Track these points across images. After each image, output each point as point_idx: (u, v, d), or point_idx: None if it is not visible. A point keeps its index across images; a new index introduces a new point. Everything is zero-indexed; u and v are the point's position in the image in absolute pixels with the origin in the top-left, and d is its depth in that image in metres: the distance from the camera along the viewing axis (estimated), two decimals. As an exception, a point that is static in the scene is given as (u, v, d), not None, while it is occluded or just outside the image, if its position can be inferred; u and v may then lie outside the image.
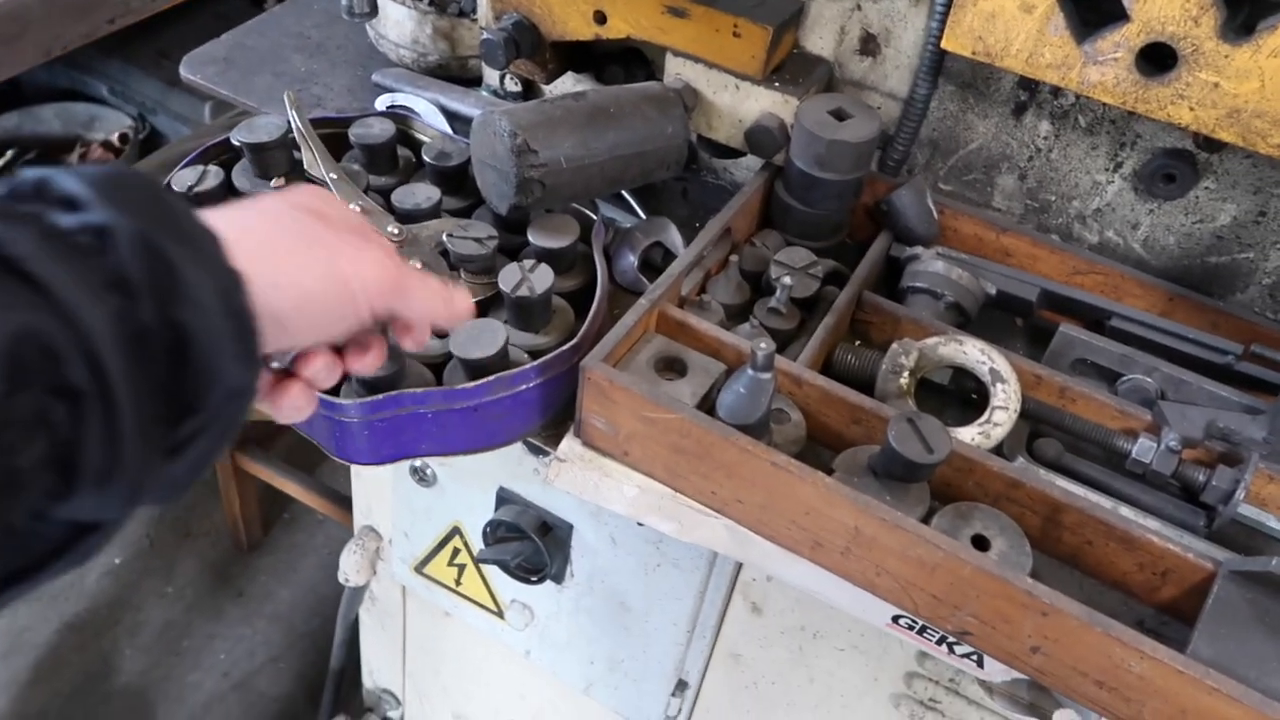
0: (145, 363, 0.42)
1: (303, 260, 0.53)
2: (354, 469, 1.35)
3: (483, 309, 0.93)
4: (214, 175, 0.99)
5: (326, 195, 0.61)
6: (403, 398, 0.81)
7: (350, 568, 1.38)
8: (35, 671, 1.94)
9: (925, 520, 0.77)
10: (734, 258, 0.96)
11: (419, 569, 1.31)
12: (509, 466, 1.10)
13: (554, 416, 0.90)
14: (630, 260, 1.02)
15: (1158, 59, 0.79)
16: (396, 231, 0.93)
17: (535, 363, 0.83)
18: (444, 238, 0.93)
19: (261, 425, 1.95)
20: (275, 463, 1.94)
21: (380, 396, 0.80)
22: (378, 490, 1.34)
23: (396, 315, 0.60)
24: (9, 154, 2.30)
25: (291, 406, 0.61)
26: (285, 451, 2.16)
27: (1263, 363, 0.90)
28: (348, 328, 0.57)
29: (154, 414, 0.43)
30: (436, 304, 0.63)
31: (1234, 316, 0.94)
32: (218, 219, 0.49)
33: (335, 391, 0.84)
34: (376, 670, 1.61)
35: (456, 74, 1.28)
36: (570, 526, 1.10)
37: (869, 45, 1.02)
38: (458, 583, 1.29)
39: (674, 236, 1.03)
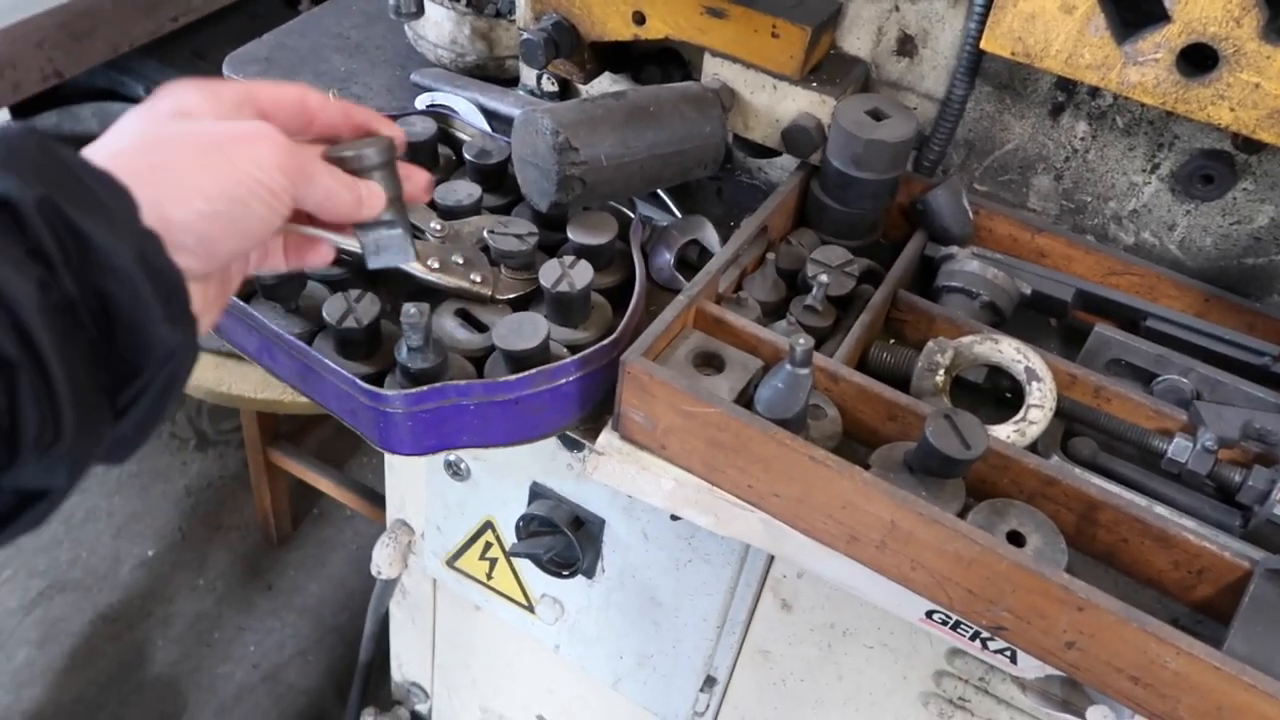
0: (74, 331, 0.42)
1: (199, 169, 0.51)
2: (389, 462, 1.36)
3: (523, 305, 0.95)
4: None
5: (190, 88, 0.56)
6: (447, 389, 0.82)
7: (383, 561, 1.40)
8: (70, 660, 1.97)
9: (961, 516, 0.78)
10: (770, 256, 0.97)
11: (450, 563, 1.32)
12: (542, 461, 1.11)
13: (591, 410, 0.91)
14: (666, 258, 1.03)
15: (1198, 59, 0.80)
16: (439, 228, 0.95)
17: (575, 356, 0.85)
18: (485, 234, 0.94)
19: (293, 420, 1.98)
20: (306, 458, 1.97)
21: (425, 388, 0.82)
22: (411, 484, 1.35)
23: (301, 203, 0.57)
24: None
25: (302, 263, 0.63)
26: (316, 447, 2.20)
27: (1300, 364, 0.90)
28: (275, 221, 0.55)
29: (91, 381, 0.43)
30: (343, 194, 0.59)
31: (1271, 318, 0.94)
32: (100, 156, 0.48)
33: (380, 383, 0.86)
34: (406, 663, 1.63)
35: (494, 74, 1.29)
36: (603, 521, 1.11)
37: (906, 46, 1.02)
38: (489, 577, 1.30)
39: (710, 235, 1.04)
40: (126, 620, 2.05)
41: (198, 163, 0.50)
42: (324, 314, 0.86)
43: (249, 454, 1.98)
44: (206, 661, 2.01)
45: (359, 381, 0.82)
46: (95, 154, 0.48)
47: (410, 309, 0.80)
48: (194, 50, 2.47)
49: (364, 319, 0.86)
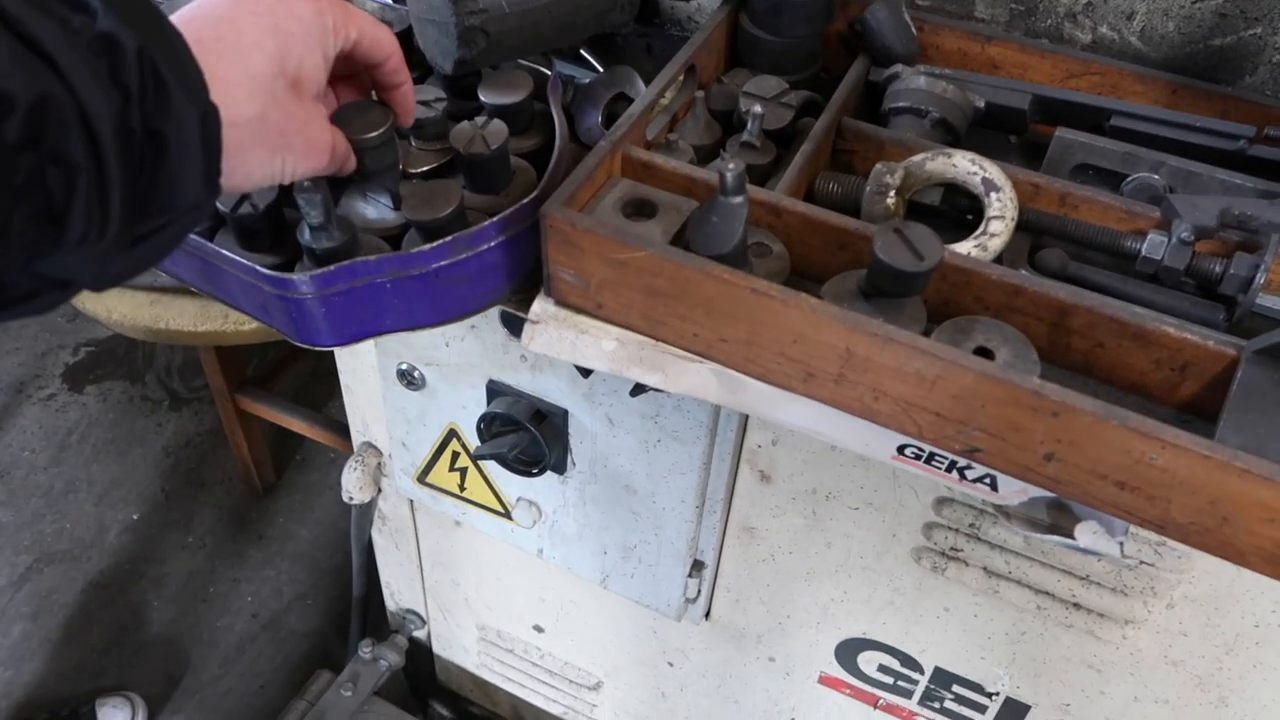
0: (131, 155, 0.48)
1: (258, 30, 0.61)
2: (343, 384, 1.31)
3: (439, 177, 0.88)
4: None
5: (305, 15, 0.65)
6: (355, 267, 0.76)
7: (353, 485, 1.36)
8: (67, 630, 1.94)
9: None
10: (700, 94, 0.89)
11: (422, 479, 1.28)
12: (495, 357, 1.05)
13: (523, 280, 0.85)
14: (595, 117, 0.96)
15: None
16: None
17: (495, 219, 0.78)
18: (389, 105, 0.87)
19: (261, 361, 1.92)
20: (279, 402, 1.91)
21: (332, 268, 0.75)
22: (370, 404, 1.30)
23: (355, 41, 0.69)
24: None
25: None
26: (291, 392, 2.14)
27: (1278, 144, 0.84)
28: (326, 51, 0.66)
29: (129, 201, 0.49)
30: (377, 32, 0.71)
31: (1244, 101, 0.87)
32: (183, 22, 0.57)
33: (289, 269, 0.80)
34: (397, 591, 1.60)
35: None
36: (565, 412, 1.06)
37: None
38: (461, 488, 1.25)
39: (640, 87, 0.96)
40: (119, 585, 2.02)
41: (253, 26, 0.60)
42: (218, 204, 0.79)
43: (218, 403, 1.93)
44: (205, 617, 1.98)
45: (261, 269, 0.76)
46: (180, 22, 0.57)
47: (304, 183, 0.73)
48: None
49: (260, 204, 0.79)
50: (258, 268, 0.76)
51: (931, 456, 0.77)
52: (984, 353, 0.72)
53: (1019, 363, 0.71)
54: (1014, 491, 0.76)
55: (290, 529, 2.12)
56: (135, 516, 2.13)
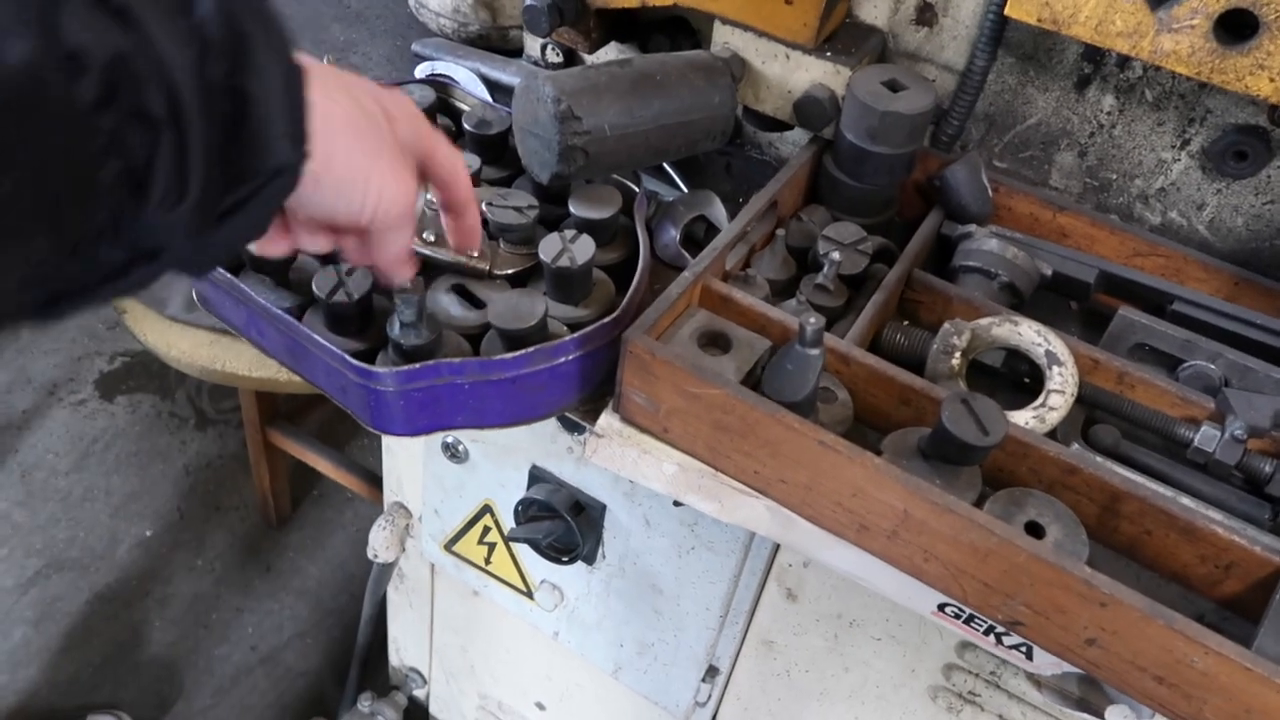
0: (215, 109, 0.45)
1: (353, 154, 0.58)
2: (386, 444, 1.33)
3: (522, 280, 0.91)
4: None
5: (401, 99, 0.64)
6: (439, 367, 0.79)
7: (380, 544, 1.37)
8: (66, 640, 1.95)
9: (977, 505, 0.74)
10: (780, 232, 0.93)
11: (449, 546, 1.29)
12: (542, 444, 1.08)
13: (592, 391, 0.87)
14: (672, 234, 0.99)
15: (1236, 27, 0.75)
16: (435, 200, 0.91)
17: (575, 335, 0.81)
18: (484, 206, 0.91)
19: (293, 400, 1.95)
20: (306, 439, 1.94)
21: (417, 366, 0.78)
22: (409, 466, 1.32)
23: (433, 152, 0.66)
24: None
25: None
26: (316, 427, 2.16)
27: (1334, 351, 0.86)
28: (419, 132, 0.64)
29: (213, 161, 0.46)
30: (454, 159, 0.69)
31: (1304, 302, 0.90)
32: (313, 77, 0.53)
33: (371, 361, 0.83)
34: (404, 648, 1.60)
35: (497, 44, 1.26)
36: (603, 507, 1.08)
37: (925, 14, 0.98)
38: (487, 561, 1.27)
39: (718, 210, 1.00)
40: (124, 600, 2.03)
41: (359, 150, 0.59)
42: (314, 288, 0.83)
43: (248, 433, 1.95)
44: (204, 643, 1.99)
45: (348, 358, 0.79)
46: (309, 68, 0.53)
47: (405, 283, 0.76)
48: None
49: (355, 293, 0.82)
50: (346, 356, 0.79)
51: (972, 618, 0.78)
52: (1035, 528, 0.74)
53: (1069, 542, 0.73)
54: (1049, 663, 0.78)
55: (299, 564, 2.13)
56: (148, 533, 2.15)
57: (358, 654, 1.63)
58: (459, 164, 0.69)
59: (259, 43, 0.48)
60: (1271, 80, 0.75)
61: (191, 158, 0.45)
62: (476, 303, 0.88)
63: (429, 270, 0.89)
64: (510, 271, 0.90)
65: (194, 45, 0.45)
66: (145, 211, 0.45)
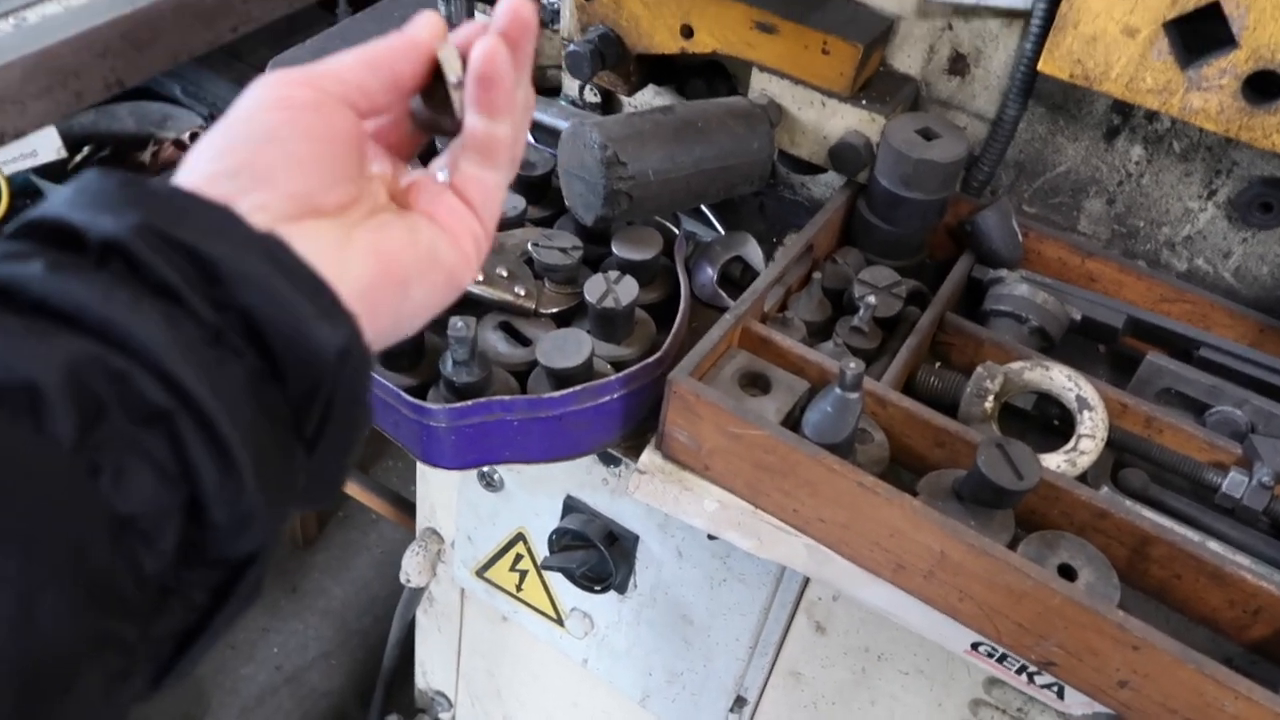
0: (226, 361, 0.37)
1: (286, 149, 0.46)
2: (420, 470, 1.36)
3: (565, 318, 0.94)
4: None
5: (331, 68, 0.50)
6: (491, 404, 0.81)
7: (412, 569, 1.39)
8: (95, 656, 1.98)
9: (1010, 547, 0.76)
10: (816, 275, 0.96)
11: (480, 573, 1.32)
12: (577, 475, 1.10)
13: (633, 428, 0.90)
14: (709, 274, 1.02)
15: (1264, 86, 0.78)
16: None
17: (620, 374, 0.84)
18: (529, 247, 0.94)
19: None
20: (335, 461, 1.96)
21: (469, 403, 0.81)
22: (443, 493, 1.35)
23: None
24: (85, 150, 2.35)
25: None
26: (342, 449, 2.19)
27: (1359, 399, 0.88)
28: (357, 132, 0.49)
29: (262, 409, 0.38)
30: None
31: (1329, 351, 0.92)
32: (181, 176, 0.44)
33: (422, 395, 0.85)
34: (430, 671, 1.63)
35: (536, 83, 1.29)
36: (636, 537, 1.10)
37: (958, 65, 1.01)
38: (518, 588, 1.29)
39: (754, 251, 1.03)
40: (151, 618, 2.06)
41: (280, 147, 0.45)
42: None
43: (277, 455, 1.98)
44: (230, 662, 2.01)
45: (404, 395, 0.82)
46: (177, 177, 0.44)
47: (458, 323, 0.80)
48: (230, 51, 2.48)
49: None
50: (402, 393, 0.82)
51: (1005, 657, 0.80)
52: (1067, 571, 0.76)
53: (1100, 585, 0.76)
54: (1080, 703, 0.79)
55: (324, 585, 2.16)
56: (176, 551, 2.18)
57: (383, 676, 1.65)
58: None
59: (215, 243, 0.38)
60: (1299, 139, 0.78)
61: (223, 432, 0.36)
62: (523, 340, 0.91)
63: (476, 307, 0.92)
64: (555, 310, 0.93)
65: (157, 301, 0.37)
66: (207, 517, 0.37)
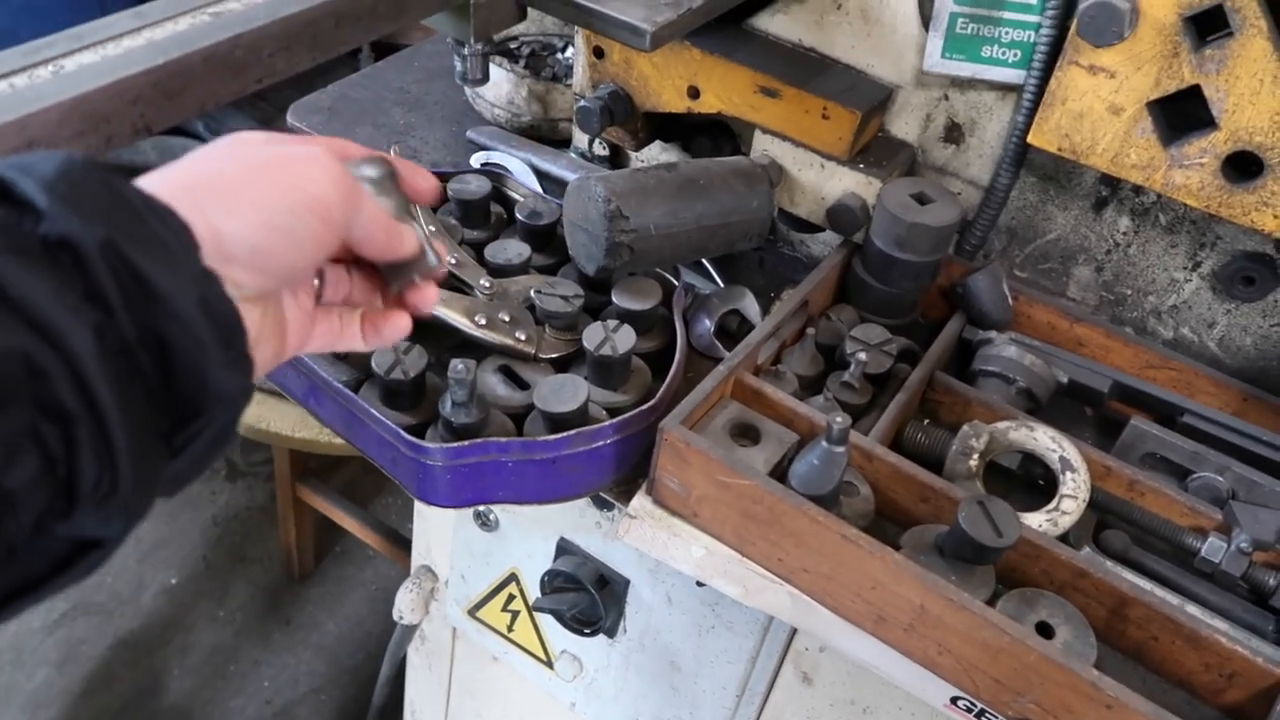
0: (132, 376, 0.41)
1: (252, 183, 0.50)
2: (418, 508, 1.38)
3: (564, 364, 0.97)
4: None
5: (254, 133, 0.55)
6: (488, 445, 0.84)
7: (405, 606, 1.41)
8: (88, 684, 1.98)
9: (990, 603, 0.78)
10: (810, 330, 0.98)
11: (472, 612, 1.33)
12: (571, 517, 1.12)
13: (626, 473, 0.92)
14: (706, 325, 1.05)
15: (1243, 166, 0.81)
16: (488, 285, 0.97)
17: (614, 420, 0.86)
18: (532, 294, 0.97)
19: (323, 458, 2.01)
20: (333, 495, 1.99)
21: (466, 443, 0.83)
22: (439, 531, 1.37)
23: (350, 228, 0.55)
24: (108, 182, 2.42)
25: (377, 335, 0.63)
26: (342, 485, 2.22)
27: (1338, 470, 0.90)
28: (327, 240, 0.53)
29: (148, 427, 0.43)
30: (380, 226, 0.58)
31: (1309, 422, 0.94)
32: (157, 181, 0.48)
33: (421, 434, 0.88)
34: (419, 710, 1.63)
35: (547, 135, 1.33)
36: (627, 582, 1.12)
37: (953, 133, 1.05)
38: (510, 629, 1.30)
39: (751, 305, 1.06)
40: (146, 647, 2.06)
41: (252, 178, 0.50)
42: (373, 364, 0.88)
43: (278, 488, 2.00)
44: (221, 694, 2.01)
45: (403, 433, 0.84)
46: (153, 181, 0.48)
47: (458, 365, 0.82)
48: (257, 93, 2.56)
49: (411, 371, 0.88)
50: (401, 431, 0.84)
51: (983, 712, 0.81)
52: (1045, 628, 0.78)
53: (1077, 643, 0.77)
54: (1056, 761, 0.80)
55: (318, 619, 2.17)
56: (174, 580, 2.19)
57: (373, 713, 1.66)
58: (376, 241, 0.58)
59: (160, 272, 0.42)
60: (1276, 216, 0.81)
61: (116, 445, 0.40)
62: (521, 384, 0.94)
63: (478, 350, 0.94)
64: (554, 356, 0.96)
65: (91, 308, 0.40)
66: (75, 509, 0.40)
